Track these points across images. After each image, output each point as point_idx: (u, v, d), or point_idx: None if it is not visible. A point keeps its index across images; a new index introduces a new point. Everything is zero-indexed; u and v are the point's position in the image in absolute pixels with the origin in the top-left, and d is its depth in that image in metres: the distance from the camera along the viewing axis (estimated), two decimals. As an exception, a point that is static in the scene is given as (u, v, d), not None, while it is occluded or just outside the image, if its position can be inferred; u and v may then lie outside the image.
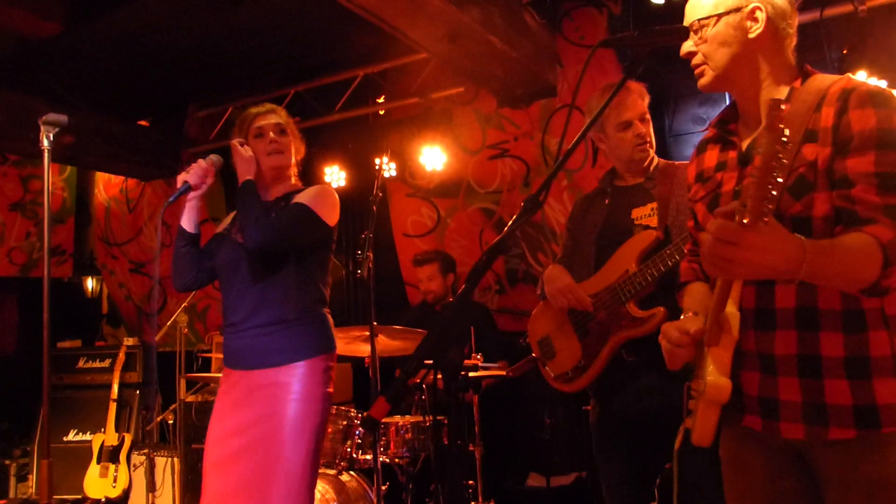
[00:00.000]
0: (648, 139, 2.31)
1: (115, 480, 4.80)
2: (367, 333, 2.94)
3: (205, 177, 2.28)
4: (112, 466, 4.83)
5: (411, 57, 4.54)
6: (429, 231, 5.01)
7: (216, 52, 4.58)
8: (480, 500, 3.09)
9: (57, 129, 1.99)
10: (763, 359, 1.39)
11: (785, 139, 1.05)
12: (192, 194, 2.29)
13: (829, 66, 3.50)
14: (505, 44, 3.78)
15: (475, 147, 4.80)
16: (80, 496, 4.90)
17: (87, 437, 5.05)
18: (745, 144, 1.48)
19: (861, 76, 3.31)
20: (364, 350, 3.15)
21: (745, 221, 1.09)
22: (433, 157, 4.66)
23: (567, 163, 4.28)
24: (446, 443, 3.16)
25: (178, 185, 2.27)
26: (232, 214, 2.44)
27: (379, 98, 4.92)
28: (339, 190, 3.26)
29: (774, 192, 1.06)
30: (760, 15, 1.42)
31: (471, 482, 3.09)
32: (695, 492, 2.08)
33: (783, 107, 1.05)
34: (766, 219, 1.09)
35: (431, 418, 3.17)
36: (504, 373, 3.34)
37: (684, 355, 1.47)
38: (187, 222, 2.33)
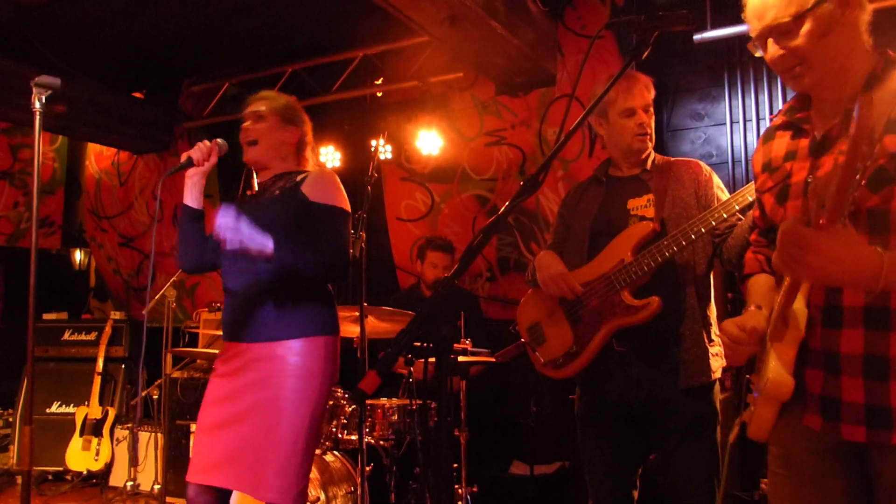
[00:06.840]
0: (649, 131, 2.28)
1: (97, 454, 4.79)
2: (357, 314, 2.92)
3: (208, 156, 2.31)
4: (95, 440, 4.82)
5: (411, 40, 4.51)
6: (422, 216, 4.99)
7: (214, 27, 4.52)
8: (464, 485, 3.09)
9: (49, 92, 1.96)
10: (828, 357, 1.35)
11: (873, 140, 1.00)
12: (192, 171, 2.31)
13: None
14: (506, 29, 3.74)
15: (472, 133, 4.78)
16: (61, 468, 4.89)
17: (71, 409, 5.03)
18: (819, 133, 1.41)
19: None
20: (353, 331, 3.13)
21: (821, 222, 1.05)
22: (429, 142, 4.63)
23: (563, 152, 4.30)
24: (432, 426, 3.16)
25: (182, 160, 2.30)
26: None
27: (377, 80, 4.88)
28: (333, 171, 3.22)
29: (856, 194, 1.03)
30: None
31: (455, 465, 3.09)
32: (689, 483, 2.11)
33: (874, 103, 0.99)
34: (844, 222, 1.05)
35: (419, 402, 3.16)
36: (493, 359, 3.34)
37: (745, 352, 1.45)
38: (191, 199, 2.34)
